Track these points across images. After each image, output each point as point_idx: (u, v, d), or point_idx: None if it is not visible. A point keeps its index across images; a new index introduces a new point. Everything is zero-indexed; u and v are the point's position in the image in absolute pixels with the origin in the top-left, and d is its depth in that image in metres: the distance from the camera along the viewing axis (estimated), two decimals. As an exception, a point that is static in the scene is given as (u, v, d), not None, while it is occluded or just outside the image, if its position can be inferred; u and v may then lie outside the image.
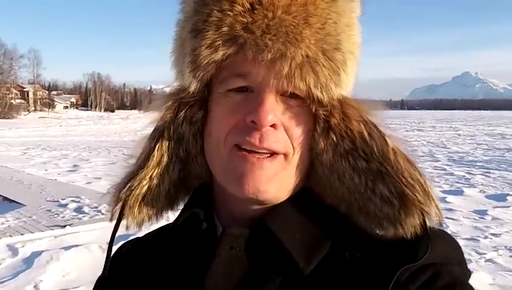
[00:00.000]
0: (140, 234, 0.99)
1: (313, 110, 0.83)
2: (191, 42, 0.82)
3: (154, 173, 0.90)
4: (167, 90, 0.92)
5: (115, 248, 0.99)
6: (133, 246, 1.02)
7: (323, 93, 0.80)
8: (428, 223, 0.79)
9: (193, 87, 0.85)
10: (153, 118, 0.92)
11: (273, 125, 0.80)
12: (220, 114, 0.85)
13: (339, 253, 0.82)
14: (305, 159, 0.86)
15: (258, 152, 0.81)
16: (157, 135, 0.91)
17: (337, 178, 0.84)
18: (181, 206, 0.97)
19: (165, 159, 0.91)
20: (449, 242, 0.83)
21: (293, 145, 0.83)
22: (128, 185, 0.90)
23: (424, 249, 0.77)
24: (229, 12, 0.78)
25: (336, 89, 0.81)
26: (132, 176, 0.91)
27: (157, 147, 0.90)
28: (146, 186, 0.90)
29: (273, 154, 0.82)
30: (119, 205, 0.90)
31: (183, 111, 0.89)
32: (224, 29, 0.78)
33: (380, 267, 0.77)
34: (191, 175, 0.95)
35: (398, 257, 0.76)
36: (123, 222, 0.92)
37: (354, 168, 0.83)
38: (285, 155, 0.83)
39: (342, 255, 0.81)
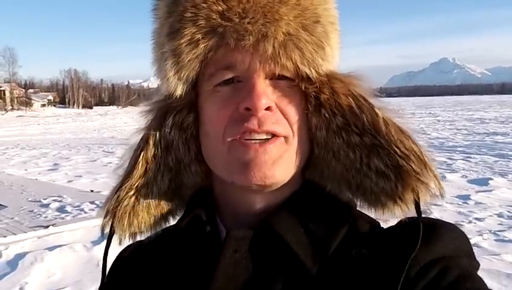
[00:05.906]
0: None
1: (303, 88, 0.82)
2: (170, 44, 0.80)
3: (141, 183, 0.87)
4: (144, 85, 0.90)
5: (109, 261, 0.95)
6: (135, 250, 0.98)
7: (311, 69, 0.79)
8: (428, 196, 0.79)
9: (179, 90, 0.83)
10: (139, 127, 0.89)
11: (268, 108, 0.78)
12: (212, 111, 0.82)
13: (345, 250, 0.80)
14: (305, 141, 0.84)
15: (258, 139, 0.78)
16: (142, 144, 0.88)
17: (332, 156, 0.84)
18: (176, 219, 0.94)
19: (152, 168, 0.87)
20: (457, 234, 0.80)
21: (291, 126, 0.81)
22: (115, 196, 0.87)
23: (432, 243, 0.75)
24: (203, 5, 0.77)
25: (324, 63, 0.80)
26: (119, 186, 0.88)
27: (142, 156, 0.86)
28: (134, 197, 0.87)
29: (273, 136, 0.79)
30: (108, 217, 0.87)
31: (171, 117, 0.86)
32: (201, 22, 0.77)
33: (388, 263, 0.75)
34: (184, 185, 0.92)
35: (407, 252, 0.73)
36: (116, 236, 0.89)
37: (348, 144, 0.82)
38: (286, 138, 0.80)
39: (349, 252, 0.79)
